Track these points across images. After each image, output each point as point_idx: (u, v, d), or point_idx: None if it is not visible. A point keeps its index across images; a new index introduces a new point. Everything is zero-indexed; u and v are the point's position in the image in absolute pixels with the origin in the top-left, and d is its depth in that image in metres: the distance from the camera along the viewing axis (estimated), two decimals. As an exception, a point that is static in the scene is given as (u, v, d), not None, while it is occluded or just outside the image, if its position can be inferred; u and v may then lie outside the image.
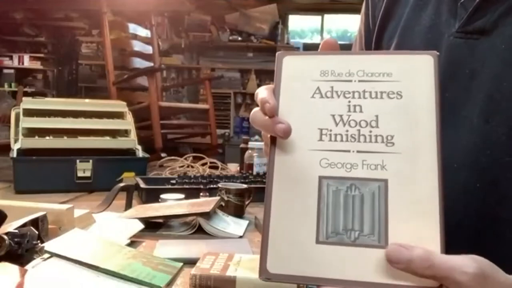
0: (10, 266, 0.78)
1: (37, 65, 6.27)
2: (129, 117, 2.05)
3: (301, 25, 6.90)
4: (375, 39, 0.76)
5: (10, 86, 6.10)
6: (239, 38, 6.11)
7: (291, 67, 0.48)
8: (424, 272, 0.40)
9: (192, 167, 2.19)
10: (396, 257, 0.40)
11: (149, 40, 3.91)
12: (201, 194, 1.44)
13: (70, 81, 5.98)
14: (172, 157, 2.38)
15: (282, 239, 0.43)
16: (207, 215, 1.17)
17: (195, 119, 4.28)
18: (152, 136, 2.88)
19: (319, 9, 6.42)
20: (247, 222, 1.27)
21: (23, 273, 0.76)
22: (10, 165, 1.73)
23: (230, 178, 1.73)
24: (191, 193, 1.42)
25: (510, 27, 0.60)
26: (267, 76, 5.97)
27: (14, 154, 1.72)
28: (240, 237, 1.15)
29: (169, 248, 1.00)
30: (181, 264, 0.90)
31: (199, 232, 1.16)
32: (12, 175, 1.71)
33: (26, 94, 4.61)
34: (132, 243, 1.04)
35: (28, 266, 0.80)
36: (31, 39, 6.12)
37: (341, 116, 0.45)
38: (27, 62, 6.25)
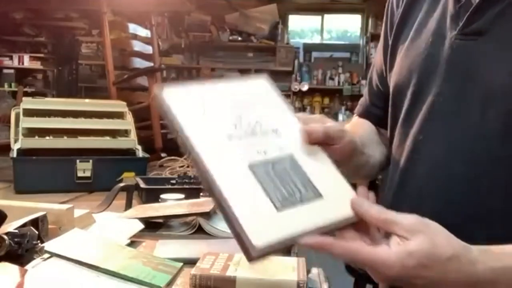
0: (10, 266, 0.78)
1: (37, 65, 6.26)
2: (129, 117, 2.05)
3: (301, 25, 6.91)
4: (391, 44, 0.81)
5: (10, 86, 6.09)
6: (239, 38, 6.11)
7: (175, 98, 0.56)
8: (377, 216, 0.53)
9: (192, 167, 2.19)
10: (359, 202, 0.55)
11: (149, 40, 3.90)
12: (201, 194, 1.44)
13: (70, 81, 5.96)
14: (172, 157, 2.37)
15: (251, 217, 0.50)
16: (207, 215, 1.17)
17: (195, 119, 4.27)
18: (152, 136, 2.87)
19: (319, 9, 6.42)
20: (247, 222, 1.27)
21: (23, 273, 0.77)
22: (10, 165, 1.72)
23: (230, 178, 1.73)
24: (191, 193, 1.42)
25: (503, 28, 0.65)
26: (267, 76, 5.96)
27: (14, 154, 1.72)
28: (240, 237, 1.15)
29: (169, 248, 1.00)
30: (181, 264, 0.90)
31: (199, 232, 1.16)
32: (12, 175, 1.71)
33: (26, 94, 4.61)
34: (132, 243, 1.04)
35: (28, 266, 0.80)
36: (31, 39, 6.11)
37: (236, 122, 0.57)
38: (27, 62, 6.25)
